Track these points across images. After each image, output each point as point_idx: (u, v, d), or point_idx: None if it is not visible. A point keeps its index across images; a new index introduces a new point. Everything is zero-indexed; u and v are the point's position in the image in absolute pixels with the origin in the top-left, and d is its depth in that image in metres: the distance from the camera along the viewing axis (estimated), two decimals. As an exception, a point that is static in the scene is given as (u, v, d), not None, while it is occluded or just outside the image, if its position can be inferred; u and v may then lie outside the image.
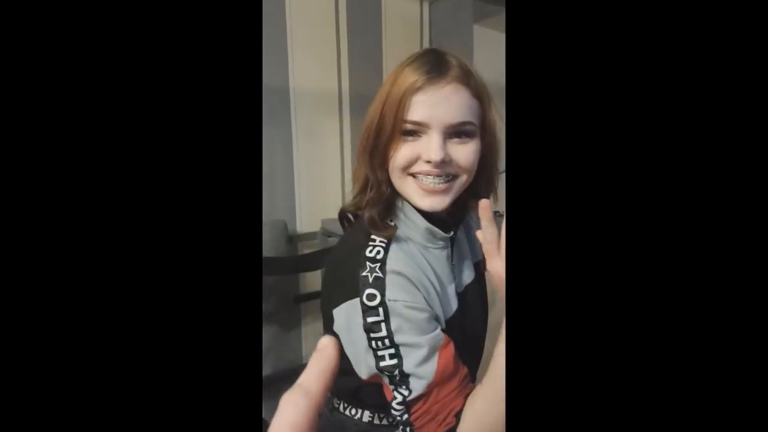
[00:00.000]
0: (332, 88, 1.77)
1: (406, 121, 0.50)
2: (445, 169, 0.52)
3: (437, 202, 0.53)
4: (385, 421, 0.61)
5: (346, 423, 0.62)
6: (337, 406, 0.64)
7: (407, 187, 0.53)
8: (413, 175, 0.53)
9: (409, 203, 0.55)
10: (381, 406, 0.55)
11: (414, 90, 0.49)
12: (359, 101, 1.82)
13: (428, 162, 0.51)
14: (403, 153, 0.51)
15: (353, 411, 0.62)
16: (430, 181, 0.52)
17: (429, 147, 0.50)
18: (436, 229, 0.56)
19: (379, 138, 0.52)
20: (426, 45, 1.97)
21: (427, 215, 0.55)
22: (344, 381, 0.60)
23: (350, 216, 0.62)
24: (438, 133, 0.50)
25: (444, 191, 0.53)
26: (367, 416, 0.61)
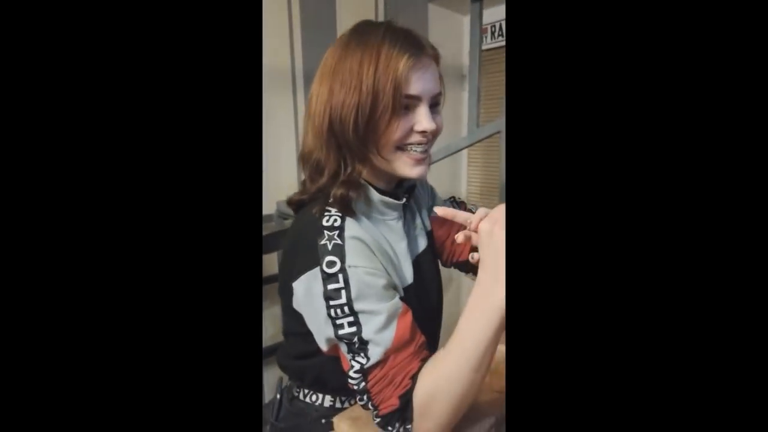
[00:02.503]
0: (285, 65, 1.71)
1: (408, 96, 0.53)
2: (429, 137, 0.56)
3: (423, 170, 0.58)
4: (346, 404, 0.62)
5: (306, 410, 0.63)
6: (297, 394, 0.64)
7: (397, 160, 0.56)
8: (401, 148, 0.56)
9: (395, 175, 0.58)
10: (342, 388, 0.56)
11: (410, 67, 0.52)
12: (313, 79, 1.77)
13: (422, 132, 0.55)
14: (400, 127, 0.54)
15: (314, 397, 0.63)
16: (419, 150, 0.56)
17: (422, 118, 0.55)
18: (388, 199, 0.59)
19: (373, 117, 0.53)
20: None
21: (378, 189, 0.58)
22: (307, 364, 0.60)
23: (296, 200, 0.62)
24: (426, 104, 0.55)
25: (426, 159, 0.58)
26: (328, 401, 0.62)
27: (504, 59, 1.20)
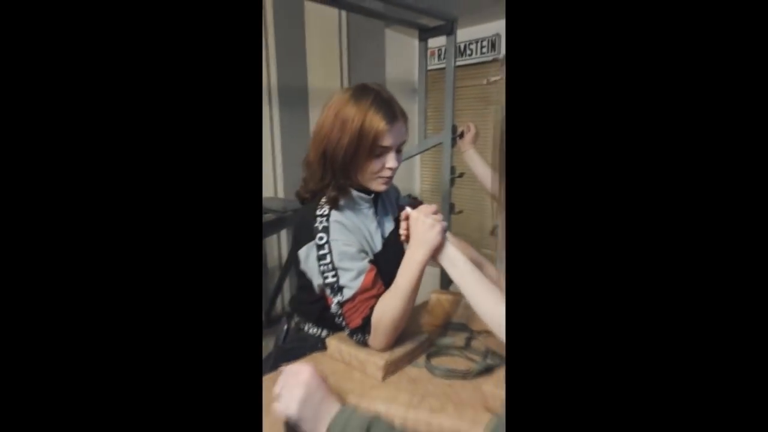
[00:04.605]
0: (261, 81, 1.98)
1: (381, 147, 0.84)
2: (394, 171, 0.89)
3: (387, 187, 0.90)
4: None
5: (308, 337, 0.94)
6: (302, 327, 0.96)
7: (373, 181, 0.88)
8: (377, 175, 0.87)
9: (369, 188, 0.90)
10: (333, 325, 0.88)
11: (387, 126, 0.83)
12: (286, 92, 2.05)
13: (390, 168, 0.87)
14: (376, 165, 0.86)
15: (315, 330, 0.94)
16: (387, 176, 0.88)
17: (391, 160, 0.87)
18: (362, 194, 0.91)
19: (356, 156, 0.84)
20: (344, 43, 2.23)
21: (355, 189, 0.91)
22: (312, 307, 0.92)
23: (304, 195, 0.93)
24: (394, 151, 0.87)
25: (390, 181, 0.90)
26: (324, 333, 0.94)
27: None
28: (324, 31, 2.16)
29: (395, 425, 0.50)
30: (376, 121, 0.82)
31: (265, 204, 1.88)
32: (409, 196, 1.17)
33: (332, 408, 0.52)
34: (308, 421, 0.52)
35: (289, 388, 0.53)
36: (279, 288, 1.98)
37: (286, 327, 0.99)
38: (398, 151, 0.90)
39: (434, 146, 1.62)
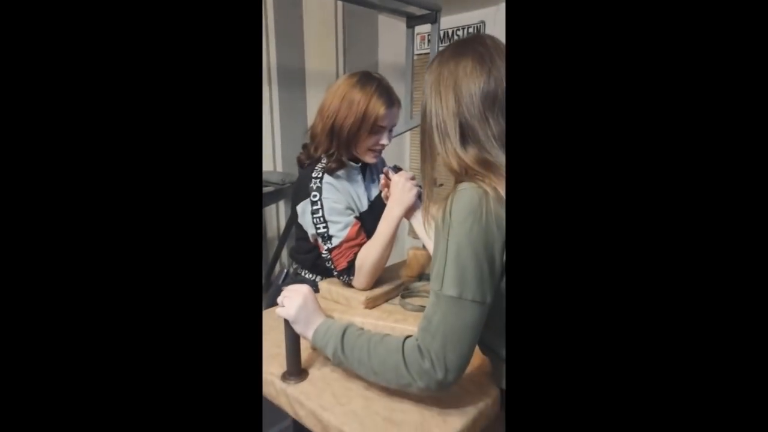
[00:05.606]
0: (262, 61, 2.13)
1: (379, 126, 1.02)
2: (385, 147, 1.07)
3: (377, 160, 1.09)
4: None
5: (304, 281, 1.13)
6: (300, 272, 1.14)
7: (367, 154, 1.06)
8: (371, 149, 1.05)
9: (362, 160, 1.08)
10: (325, 272, 1.06)
11: (386, 110, 1.01)
12: (285, 74, 2.20)
13: (383, 144, 1.05)
14: (372, 140, 1.04)
15: (310, 275, 1.13)
16: (378, 150, 1.07)
17: (384, 138, 1.05)
18: (352, 163, 1.09)
19: (359, 132, 1.02)
20: (340, 27, 2.37)
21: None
22: (308, 256, 1.10)
23: (305, 161, 1.10)
24: (388, 130, 1.05)
25: (379, 155, 1.09)
26: (318, 278, 1.12)
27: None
28: (321, 17, 2.30)
29: (365, 329, 0.69)
30: (378, 105, 1.01)
31: (265, 177, 2.05)
32: (395, 166, 1.34)
33: (320, 318, 0.71)
34: (301, 324, 0.70)
35: (290, 298, 0.71)
36: (278, 255, 2.16)
37: (286, 271, 1.18)
38: (390, 131, 1.08)
39: (418, 126, 1.78)
